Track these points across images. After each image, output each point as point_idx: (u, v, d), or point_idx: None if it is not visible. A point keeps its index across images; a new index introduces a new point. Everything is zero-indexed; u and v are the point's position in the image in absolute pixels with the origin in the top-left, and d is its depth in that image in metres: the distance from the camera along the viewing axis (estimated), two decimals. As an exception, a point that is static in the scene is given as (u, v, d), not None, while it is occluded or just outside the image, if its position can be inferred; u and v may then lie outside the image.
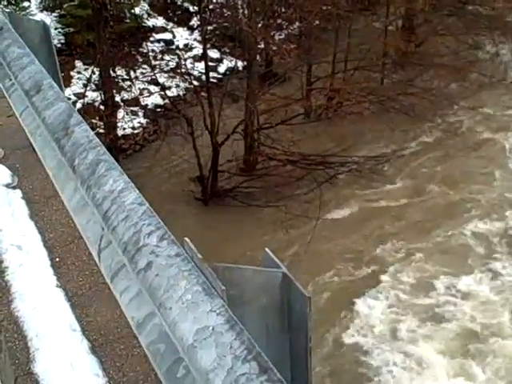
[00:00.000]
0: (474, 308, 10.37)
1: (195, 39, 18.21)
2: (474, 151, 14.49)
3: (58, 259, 3.64)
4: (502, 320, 10.13)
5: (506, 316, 10.19)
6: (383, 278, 11.16)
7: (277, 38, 17.86)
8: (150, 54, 16.88)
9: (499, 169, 13.84)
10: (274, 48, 16.65)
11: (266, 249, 2.04)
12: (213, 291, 1.82)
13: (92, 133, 2.82)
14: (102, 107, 14.71)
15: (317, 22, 16.38)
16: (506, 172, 13.70)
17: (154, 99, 15.98)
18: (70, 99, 14.60)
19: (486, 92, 16.60)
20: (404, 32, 17.50)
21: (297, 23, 18.40)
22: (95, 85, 15.15)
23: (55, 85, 3.38)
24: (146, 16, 18.34)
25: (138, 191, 2.33)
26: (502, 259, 11.38)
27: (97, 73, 14.82)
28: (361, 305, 10.60)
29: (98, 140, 2.75)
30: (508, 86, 16.94)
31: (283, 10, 18.18)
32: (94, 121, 14.50)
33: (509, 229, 12.12)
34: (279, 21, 18.35)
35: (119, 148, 14.35)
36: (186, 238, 1.97)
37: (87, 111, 14.25)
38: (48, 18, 15.90)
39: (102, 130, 14.14)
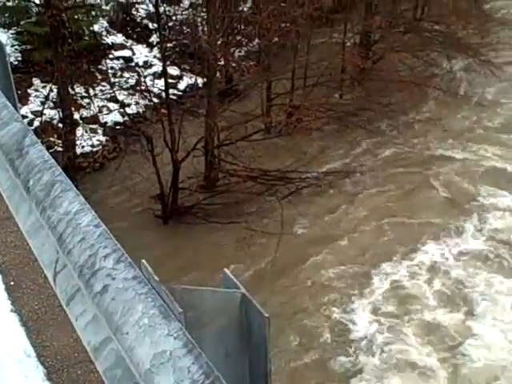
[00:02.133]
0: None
1: (155, 56, 18.17)
2: (429, 166, 14.75)
3: (12, 282, 3.56)
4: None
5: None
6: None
7: (236, 54, 17.98)
8: (110, 71, 16.80)
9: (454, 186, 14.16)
10: (234, 65, 16.75)
11: (225, 269, 2.02)
12: (170, 314, 1.79)
13: (47, 153, 2.77)
14: (60, 125, 14.52)
15: (276, 38, 16.54)
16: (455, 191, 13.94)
17: (113, 117, 15.87)
18: (27, 117, 14.40)
19: (441, 106, 16.96)
20: (361, 48, 17.77)
21: (256, 40, 18.54)
22: (53, 102, 14.97)
23: (9, 104, 3.31)
24: (104, 33, 18.25)
25: (93, 213, 2.29)
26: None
27: (55, 90, 14.64)
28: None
29: (53, 161, 2.70)
30: (462, 99, 17.32)
31: (242, 27, 18.31)
32: (52, 139, 14.33)
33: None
34: (239, 38, 18.48)
35: (78, 166, 14.17)
36: (143, 260, 1.94)
37: (45, 129, 14.09)
38: (4, 36, 15.70)
39: (60, 149, 13.95)
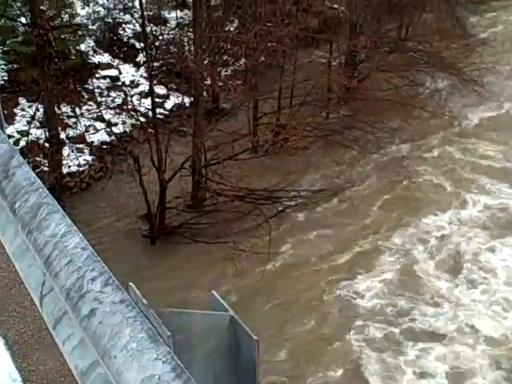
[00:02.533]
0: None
1: (142, 76, 18.19)
2: (414, 188, 14.84)
3: (-2, 305, 3.52)
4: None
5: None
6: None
7: (223, 74, 18.04)
8: (96, 90, 16.80)
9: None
10: (221, 84, 16.80)
11: (213, 291, 2.01)
12: (158, 338, 1.77)
13: (34, 174, 2.75)
14: (46, 145, 14.46)
15: (262, 58, 16.65)
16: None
17: (100, 136, 15.83)
18: (13, 137, 14.33)
19: (426, 125, 17.11)
20: (347, 68, 17.91)
21: (243, 60, 18.64)
22: (39, 122, 14.92)
23: (-5, 125, 3.30)
24: (91, 53, 18.27)
25: (81, 235, 2.28)
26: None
27: (41, 110, 14.60)
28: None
29: (40, 182, 2.68)
30: (447, 119, 17.47)
31: (229, 46, 18.40)
32: (38, 159, 14.26)
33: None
34: (225, 57, 18.56)
35: (64, 186, 14.10)
36: (131, 283, 1.93)
37: (31, 149, 14.02)
38: (-10, 55, 15.69)
39: (46, 168, 13.88)
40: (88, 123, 15.88)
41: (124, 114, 16.24)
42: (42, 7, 14.83)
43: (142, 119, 15.39)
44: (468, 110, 17.85)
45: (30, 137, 14.56)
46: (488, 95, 17.90)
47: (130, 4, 16.86)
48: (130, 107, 15.93)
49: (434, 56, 18.65)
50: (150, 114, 14.93)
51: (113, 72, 18.20)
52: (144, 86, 17.36)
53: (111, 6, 18.99)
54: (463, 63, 18.78)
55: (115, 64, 18.51)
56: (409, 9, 20.00)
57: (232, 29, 18.80)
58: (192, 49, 15.26)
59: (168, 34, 18.95)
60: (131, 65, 18.69)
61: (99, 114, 15.47)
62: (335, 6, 18.94)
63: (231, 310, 1.92)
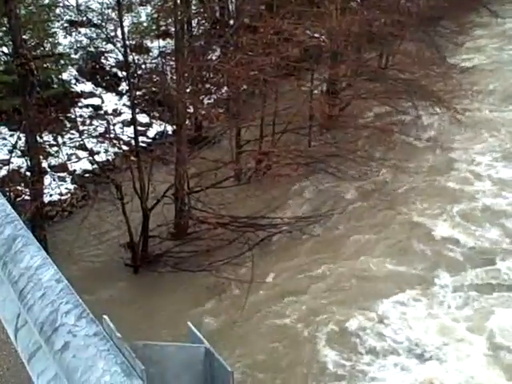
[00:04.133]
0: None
1: (124, 104, 18.26)
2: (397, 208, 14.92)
3: (-27, 338, 3.46)
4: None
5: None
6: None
7: (206, 102, 18.16)
8: (78, 119, 16.81)
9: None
10: (203, 112, 16.89)
11: (189, 323, 2.00)
12: (132, 371, 1.76)
13: (9, 206, 2.74)
14: (27, 173, 14.40)
15: (244, 86, 16.78)
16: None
17: (82, 164, 15.81)
18: (-7, 166, 14.26)
19: (408, 152, 17.28)
20: (328, 96, 18.10)
21: (225, 88, 18.78)
22: (21, 151, 14.87)
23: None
24: (73, 81, 18.32)
25: (55, 267, 2.27)
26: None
27: (23, 138, 14.56)
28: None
29: (15, 214, 2.67)
30: (429, 146, 17.68)
31: (211, 75, 18.55)
32: (19, 188, 14.18)
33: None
34: (207, 86, 18.70)
35: (46, 215, 14.01)
36: (105, 316, 1.92)
37: (12, 178, 13.95)
38: (-29, 84, 15.66)
39: (27, 197, 13.80)
40: (70, 152, 15.86)
41: (106, 142, 16.24)
42: (24, 36, 14.85)
43: (125, 147, 15.40)
44: (447, 136, 18.08)
45: (12, 166, 14.49)
46: (468, 122, 18.17)
47: (113, 33, 16.97)
48: (112, 136, 15.95)
49: (414, 84, 18.92)
50: (133, 142, 14.94)
51: (95, 101, 18.25)
52: (127, 115, 17.40)
53: (94, 35, 19.11)
54: (443, 91, 19.05)
55: (98, 93, 18.57)
56: (389, 38, 20.34)
57: (214, 58, 18.96)
58: (174, 77, 15.34)
59: (150, 63, 19.07)
60: (114, 93, 18.76)
61: (81, 142, 15.44)
62: (316, 35, 19.19)
63: (206, 341, 1.91)
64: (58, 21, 18.91)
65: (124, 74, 17.89)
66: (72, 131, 16.38)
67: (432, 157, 17.21)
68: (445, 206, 14.75)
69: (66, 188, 15.21)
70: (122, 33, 13.79)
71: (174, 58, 15.80)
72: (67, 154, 15.64)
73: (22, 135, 14.51)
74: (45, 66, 17.00)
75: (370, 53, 20.66)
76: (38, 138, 14.71)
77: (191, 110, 16.37)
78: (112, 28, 17.57)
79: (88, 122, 17.35)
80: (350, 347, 10.80)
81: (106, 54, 19.49)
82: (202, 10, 21.93)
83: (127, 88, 17.43)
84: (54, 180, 14.97)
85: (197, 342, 1.94)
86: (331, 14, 17.53)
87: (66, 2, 18.96)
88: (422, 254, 13.27)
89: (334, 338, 11.04)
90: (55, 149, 15.52)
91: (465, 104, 19.04)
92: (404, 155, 17.10)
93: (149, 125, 18.05)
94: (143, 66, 18.10)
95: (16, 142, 14.57)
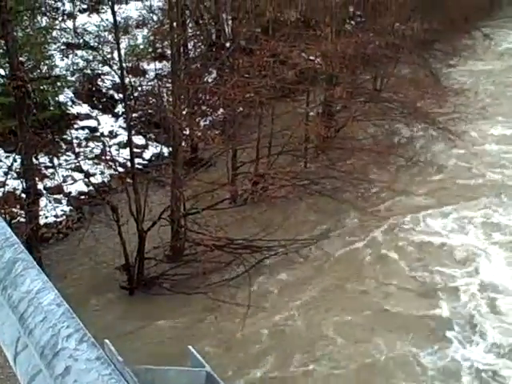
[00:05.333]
0: None
1: (120, 126, 18.31)
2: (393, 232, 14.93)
3: (-29, 362, 3.44)
4: None
5: None
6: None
7: (202, 124, 18.23)
8: (74, 141, 16.83)
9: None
10: (199, 134, 16.94)
11: (190, 347, 2.00)
12: (134, 396, 1.75)
13: (9, 230, 2.74)
14: (23, 195, 14.37)
15: (240, 108, 16.86)
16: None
17: (77, 186, 15.80)
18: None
19: (403, 173, 17.35)
20: (324, 118, 18.21)
21: (221, 110, 18.87)
22: (16, 173, 14.86)
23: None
24: (70, 103, 18.37)
25: (56, 291, 2.26)
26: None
27: (18, 160, 14.55)
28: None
29: (15, 237, 2.66)
30: (424, 167, 17.76)
31: (207, 97, 18.64)
32: (14, 210, 14.13)
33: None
34: (204, 108, 18.79)
35: (42, 237, 13.95)
36: (106, 340, 1.91)
37: (8, 200, 13.90)
38: (-32, 106, 15.67)
39: (23, 219, 13.75)
40: (66, 174, 15.85)
41: (102, 164, 16.25)
42: (21, 59, 14.93)
43: (121, 169, 15.40)
44: (442, 156, 18.17)
45: (7, 188, 14.46)
46: (462, 144, 18.28)
47: (109, 56, 17.06)
48: (108, 157, 15.96)
49: (409, 106, 19.06)
50: (129, 164, 14.95)
51: (91, 123, 18.30)
52: (123, 137, 17.45)
53: (90, 57, 19.21)
54: (437, 112, 19.19)
55: (94, 115, 18.63)
56: (383, 61, 20.53)
57: (210, 80, 19.07)
58: (171, 99, 15.41)
59: (147, 85, 19.18)
60: (110, 115, 18.82)
61: (77, 164, 15.45)
62: (311, 57, 19.35)
63: (207, 365, 1.91)
64: (55, 43, 19.01)
65: (120, 96, 17.96)
66: (68, 153, 16.40)
67: (426, 178, 17.28)
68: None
69: (62, 210, 15.17)
70: (119, 55, 13.86)
71: (170, 80, 15.88)
72: (63, 175, 15.63)
73: (17, 157, 14.49)
74: (41, 88, 17.05)
75: (365, 75, 20.82)
76: (34, 160, 14.72)
77: (187, 131, 16.42)
78: (109, 50, 17.67)
79: (84, 143, 17.38)
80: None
81: (102, 76, 19.58)
82: (198, 32, 22.12)
83: (123, 110, 17.50)
84: (50, 202, 14.94)
85: (198, 366, 1.93)
86: (326, 37, 17.71)
87: (63, 25, 19.12)
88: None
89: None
90: (51, 171, 15.52)
91: (459, 125, 19.17)
92: (399, 176, 17.14)
93: (145, 147, 18.09)
94: (139, 88, 18.21)
95: (12, 163, 14.54)
